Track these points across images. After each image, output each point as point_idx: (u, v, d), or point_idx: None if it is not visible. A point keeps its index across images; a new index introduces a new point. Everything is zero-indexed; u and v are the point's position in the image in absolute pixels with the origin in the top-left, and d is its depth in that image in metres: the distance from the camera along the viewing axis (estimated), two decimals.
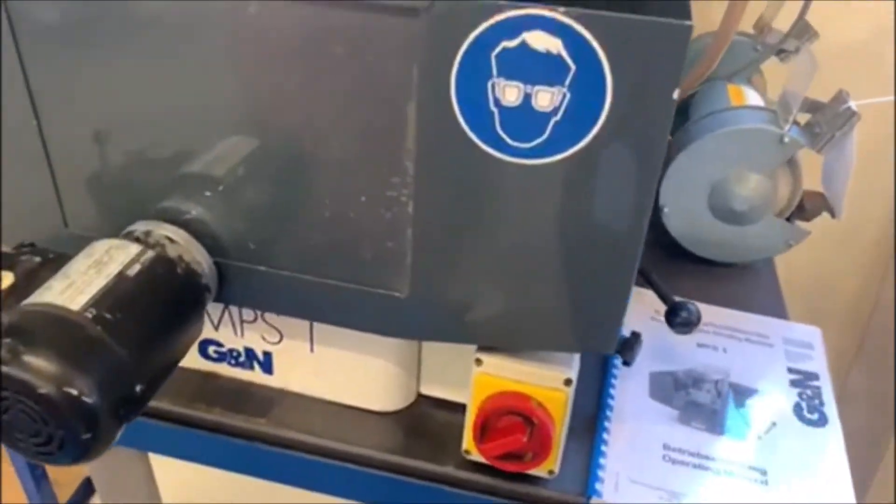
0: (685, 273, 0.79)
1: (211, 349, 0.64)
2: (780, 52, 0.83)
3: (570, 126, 0.41)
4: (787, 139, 0.72)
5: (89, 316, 0.44)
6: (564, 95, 0.40)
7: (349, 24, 0.42)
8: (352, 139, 0.46)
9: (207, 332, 0.62)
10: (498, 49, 0.40)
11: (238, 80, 0.47)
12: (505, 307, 0.49)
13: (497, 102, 0.41)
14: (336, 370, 0.61)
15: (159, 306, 0.48)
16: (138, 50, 0.47)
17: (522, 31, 0.39)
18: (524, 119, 0.42)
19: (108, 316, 0.44)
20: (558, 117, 0.41)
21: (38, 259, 0.50)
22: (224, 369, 0.64)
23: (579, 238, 0.45)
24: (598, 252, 0.46)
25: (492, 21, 0.39)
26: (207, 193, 0.51)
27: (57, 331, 0.43)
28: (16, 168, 0.54)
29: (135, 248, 0.49)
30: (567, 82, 0.40)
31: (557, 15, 0.38)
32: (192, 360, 0.64)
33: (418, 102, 0.43)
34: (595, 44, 0.38)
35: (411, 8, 0.40)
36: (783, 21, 0.83)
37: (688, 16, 0.38)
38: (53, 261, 0.50)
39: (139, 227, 0.52)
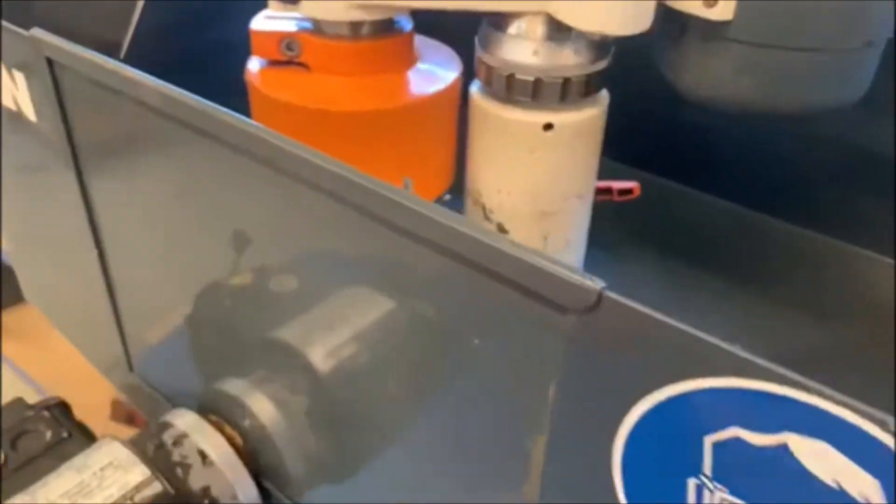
0: None
1: None
2: None
3: None
4: None
5: None
6: None
7: (449, 295, 0.23)
8: (455, 453, 0.27)
9: None
10: (723, 435, 0.18)
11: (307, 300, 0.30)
12: None
13: None
14: None
15: None
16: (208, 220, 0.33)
17: (784, 428, 0.17)
18: None
19: None
20: None
21: (49, 434, 0.38)
22: None
23: None
24: None
25: (720, 382, 0.18)
26: (269, 406, 0.36)
27: None
28: (87, 303, 0.43)
29: (138, 473, 0.34)
30: None
31: (880, 434, 0.15)
32: None
33: (551, 442, 0.23)
34: None
35: (557, 303, 0.20)
36: None
37: None
38: (62, 444, 0.38)
39: (178, 422, 0.37)
